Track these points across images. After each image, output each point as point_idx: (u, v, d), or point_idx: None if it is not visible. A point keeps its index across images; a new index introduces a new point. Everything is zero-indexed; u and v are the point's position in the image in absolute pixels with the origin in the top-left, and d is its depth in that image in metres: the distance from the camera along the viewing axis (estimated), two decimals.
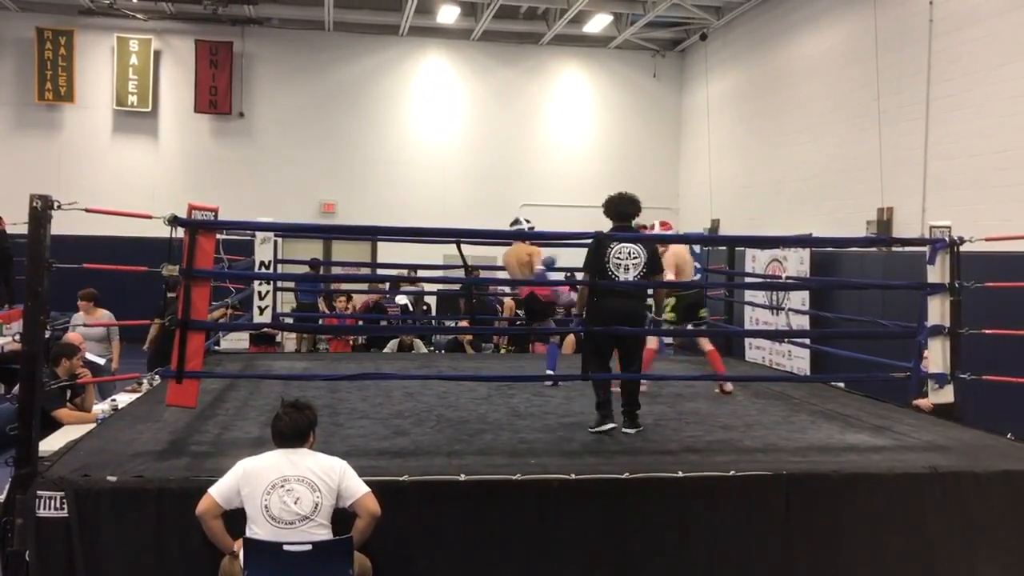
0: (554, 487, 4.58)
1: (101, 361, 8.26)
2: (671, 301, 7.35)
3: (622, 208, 5.96)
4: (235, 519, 4.04)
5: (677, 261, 7.26)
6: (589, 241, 5.85)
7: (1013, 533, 4.92)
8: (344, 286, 12.74)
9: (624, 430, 5.71)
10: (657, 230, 7.71)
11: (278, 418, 4.18)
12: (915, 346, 6.09)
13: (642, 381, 6.37)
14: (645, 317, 6.22)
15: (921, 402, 6.81)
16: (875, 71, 11.63)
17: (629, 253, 5.76)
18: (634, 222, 6.13)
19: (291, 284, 11.11)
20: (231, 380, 7.14)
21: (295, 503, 3.94)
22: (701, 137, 17.18)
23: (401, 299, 13.14)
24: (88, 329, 8.77)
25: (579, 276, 6.62)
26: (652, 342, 7.70)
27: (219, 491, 4.00)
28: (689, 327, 7.64)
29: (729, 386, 7.37)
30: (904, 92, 11.17)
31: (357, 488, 4.07)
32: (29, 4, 16.13)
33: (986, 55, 9.88)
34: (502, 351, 11.69)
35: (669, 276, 6.84)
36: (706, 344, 7.69)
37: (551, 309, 7.95)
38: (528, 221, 7.84)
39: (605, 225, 6.05)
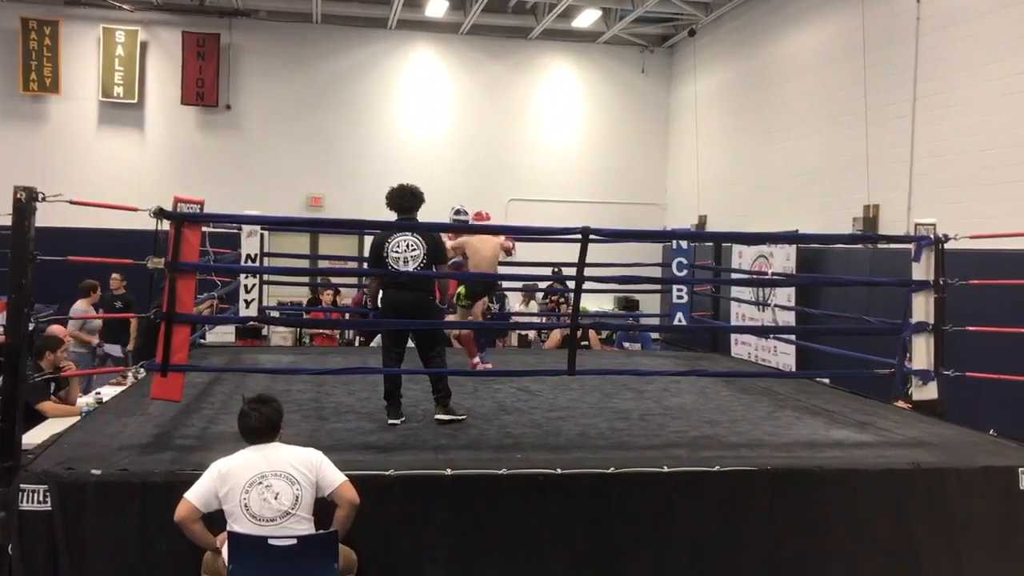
0: (540, 481, 4.59)
1: (119, 352, 8.17)
2: (461, 290, 7.45)
3: (400, 201, 6.06)
4: (217, 515, 4.01)
5: (468, 251, 7.37)
6: (572, 236, 5.84)
7: (995, 528, 4.97)
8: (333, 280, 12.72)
9: (436, 417, 5.76)
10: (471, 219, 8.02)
11: (245, 415, 4.12)
12: (900, 343, 6.13)
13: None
14: (432, 307, 6.11)
15: (901, 403, 6.87)
16: (862, 69, 11.66)
17: (407, 245, 5.85)
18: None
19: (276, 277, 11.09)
20: (217, 374, 7.11)
21: (275, 499, 3.91)
22: (689, 133, 17.19)
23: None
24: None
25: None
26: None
27: (196, 495, 3.95)
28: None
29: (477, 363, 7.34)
30: (891, 90, 11.21)
31: (335, 477, 4.05)
32: None
33: (972, 54, 9.92)
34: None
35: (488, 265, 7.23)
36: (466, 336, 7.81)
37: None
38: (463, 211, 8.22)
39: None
